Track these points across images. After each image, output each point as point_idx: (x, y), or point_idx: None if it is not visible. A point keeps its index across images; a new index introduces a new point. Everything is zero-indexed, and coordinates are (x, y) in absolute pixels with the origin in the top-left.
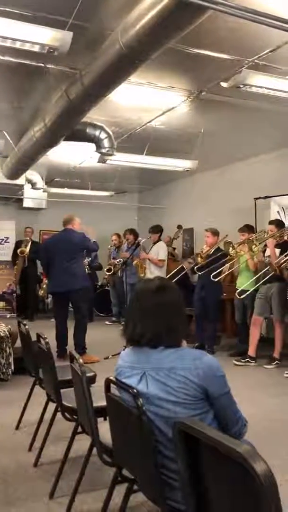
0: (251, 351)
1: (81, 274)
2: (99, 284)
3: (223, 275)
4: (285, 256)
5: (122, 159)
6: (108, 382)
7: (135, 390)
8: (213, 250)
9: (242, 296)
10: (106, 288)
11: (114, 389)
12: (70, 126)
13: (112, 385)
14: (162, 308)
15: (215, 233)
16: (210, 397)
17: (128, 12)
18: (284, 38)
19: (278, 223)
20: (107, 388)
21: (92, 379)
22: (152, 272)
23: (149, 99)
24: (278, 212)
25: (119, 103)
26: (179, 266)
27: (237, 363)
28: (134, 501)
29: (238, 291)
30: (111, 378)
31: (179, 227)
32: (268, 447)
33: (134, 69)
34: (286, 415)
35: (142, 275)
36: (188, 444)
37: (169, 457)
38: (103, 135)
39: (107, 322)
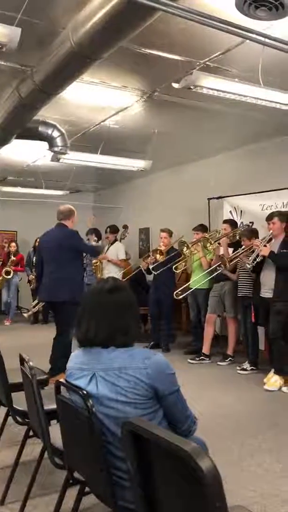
0: (205, 349)
1: (70, 283)
2: None
3: (178, 271)
4: (236, 253)
5: (76, 158)
6: (58, 384)
7: (84, 392)
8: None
9: (186, 293)
10: None
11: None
12: (21, 124)
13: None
14: (116, 308)
15: (171, 233)
16: (160, 396)
17: (79, 10)
18: (234, 41)
19: (232, 223)
20: (57, 390)
21: (45, 382)
22: (111, 272)
23: (102, 98)
24: (230, 212)
25: (72, 102)
26: (137, 267)
27: (191, 361)
28: (88, 503)
29: (191, 290)
30: (61, 380)
31: (125, 226)
32: (221, 443)
33: (86, 67)
34: (239, 411)
35: (99, 275)
36: (137, 444)
37: (120, 457)
38: (55, 134)
39: None
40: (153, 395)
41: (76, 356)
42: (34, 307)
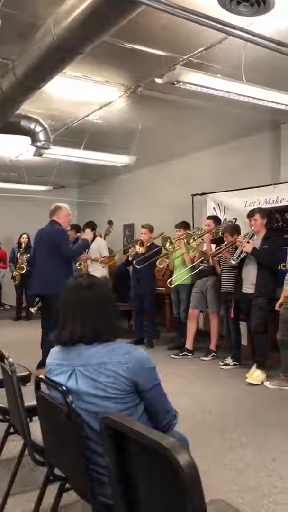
0: (188, 344)
1: (61, 277)
2: None
3: (161, 266)
4: (218, 248)
5: (59, 153)
6: (37, 381)
7: (63, 388)
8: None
9: (172, 286)
10: None
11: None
12: (3, 118)
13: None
14: (97, 304)
15: (151, 229)
16: (140, 390)
17: (60, 2)
18: (217, 37)
19: (216, 219)
20: (37, 387)
21: (27, 378)
22: (96, 269)
23: (85, 92)
24: (214, 208)
25: (55, 96)
26: (121, 262)
27: (174, 356)
28: (70, 499)
29: (173, 285)
30: (41, 376)
31: (110, 222)
32: (203, 438)
33: (68, 61)
34: (221, 406)
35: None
36: (115, 438)
37: (100, 453)
38: (38, 128)
39: None
40: (134, 390)
41: (56, 352)
42: (37, 303)
